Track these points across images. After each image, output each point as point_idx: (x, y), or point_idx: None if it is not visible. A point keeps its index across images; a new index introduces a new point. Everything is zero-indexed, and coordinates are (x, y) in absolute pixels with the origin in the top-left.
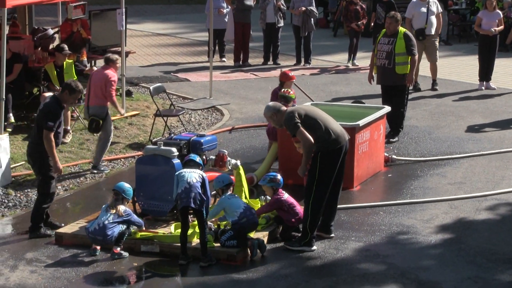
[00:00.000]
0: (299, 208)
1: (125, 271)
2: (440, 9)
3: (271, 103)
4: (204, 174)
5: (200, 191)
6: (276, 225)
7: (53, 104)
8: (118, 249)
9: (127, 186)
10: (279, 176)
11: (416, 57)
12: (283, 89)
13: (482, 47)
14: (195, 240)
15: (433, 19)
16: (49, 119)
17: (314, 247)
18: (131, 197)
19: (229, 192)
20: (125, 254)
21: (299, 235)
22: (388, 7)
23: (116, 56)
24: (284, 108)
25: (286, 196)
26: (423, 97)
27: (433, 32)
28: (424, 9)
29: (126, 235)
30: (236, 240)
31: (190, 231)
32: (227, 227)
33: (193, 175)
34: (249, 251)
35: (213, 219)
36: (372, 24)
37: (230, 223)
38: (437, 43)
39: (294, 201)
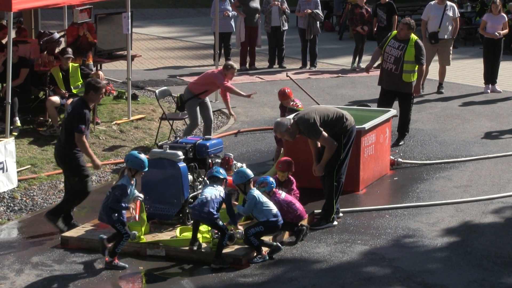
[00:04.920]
0: (298, 205)
1: (131, 275)
2: (458, 14)
3: (278, 120)
4: (224, 192)
5: (215, 207)
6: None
7: (81, 107)
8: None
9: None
10: (270, 179)
11: (424, 66)
12: (291, 103)
13: (487, 50)
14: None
15: (448, 23)
16: (80, 122)
17: (336, 222)
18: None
19: (253, 188)
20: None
21: (302, 228)
22: (388, 9)
23: (232, 65)
24: (291, 119)
25: (283, 195)
26: (429, 100)
27: (446, 36)
28: (439, 13)
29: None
30: (258, 241)
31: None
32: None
33: (214, 191)
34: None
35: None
36: (375, 29)
37: (261, 220)
38: (451, 47)
39: (292, 198)
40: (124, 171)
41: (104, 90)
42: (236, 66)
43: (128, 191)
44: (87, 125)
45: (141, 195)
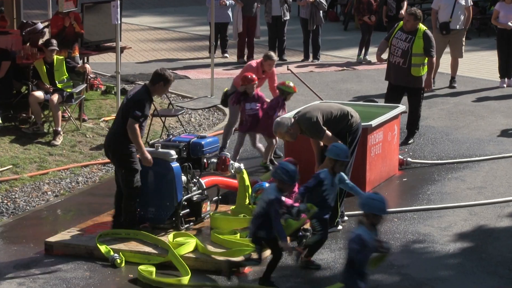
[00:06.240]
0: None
1: (120, 283)
2: (470, 2)
3: (278, 119)
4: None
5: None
6: None
7: (144, 94)
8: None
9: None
10: (266, 185)
11: (434, 59)
12: (282, 81)
13: (501, 42)
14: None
15: (460, 13)
16: (137, 108)
17: (340, 226)
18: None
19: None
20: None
21: (305, 233)
22: None
23: (270, 56)
24: (291, 118)
25: (283, 200)
26: (440, 95)
27: (458, 27)
28: (451, 2)
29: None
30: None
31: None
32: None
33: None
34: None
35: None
36: (385, 18)
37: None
38: (463, 38)
39: (292, 202)
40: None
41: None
42: (275, 56)
43: (369, 243)
44: (144, 116)
45: None
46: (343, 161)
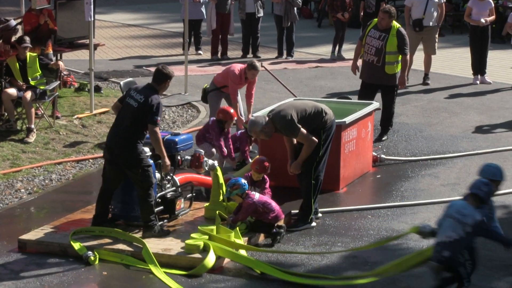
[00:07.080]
0: (274, 204)
1: (94, 281)
2: None
3: (253, 118)
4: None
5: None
6: (255, 233)
7: (157, 96)
8: None
9: None
10: (242, 180)
11: (408, 56)
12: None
13: (474, 39)
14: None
15: (433, 10)
16: (156, 113)
17: (314, 223)
18: None
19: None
20: None
21: (279, 230)
22: None
23: (254, 65)
24: (266, 117)
25: (257, 196)
26: (414, 92)
27: (431, 23)
28: None
29: None
30: None
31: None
32: None
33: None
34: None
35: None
36: (362, 14)
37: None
38: (437, 35)
39: (266, 198)
40: None
41: None
42: (260, 67)
43: None
44: (160, 117)
45: None
46: (499, 181)
